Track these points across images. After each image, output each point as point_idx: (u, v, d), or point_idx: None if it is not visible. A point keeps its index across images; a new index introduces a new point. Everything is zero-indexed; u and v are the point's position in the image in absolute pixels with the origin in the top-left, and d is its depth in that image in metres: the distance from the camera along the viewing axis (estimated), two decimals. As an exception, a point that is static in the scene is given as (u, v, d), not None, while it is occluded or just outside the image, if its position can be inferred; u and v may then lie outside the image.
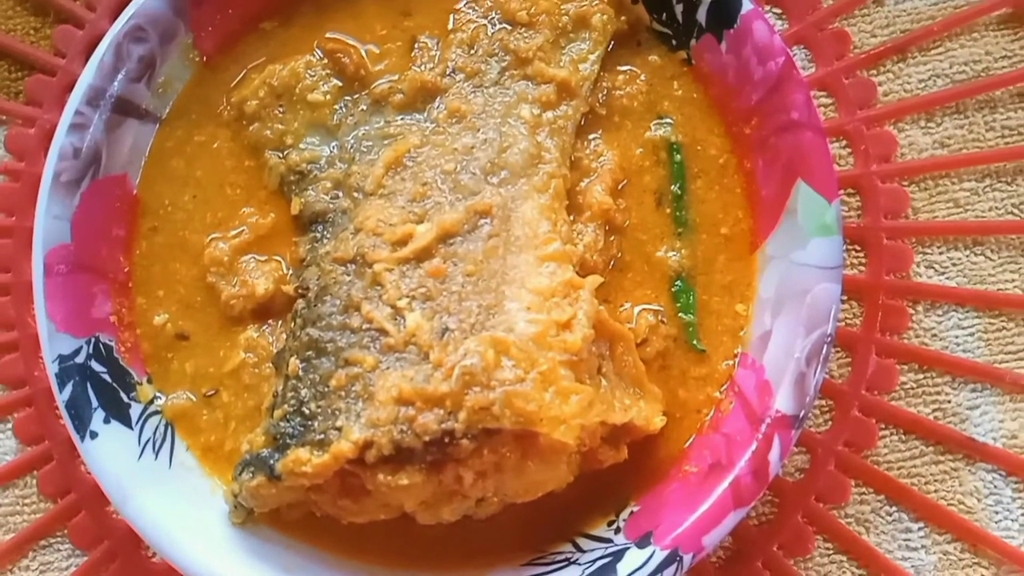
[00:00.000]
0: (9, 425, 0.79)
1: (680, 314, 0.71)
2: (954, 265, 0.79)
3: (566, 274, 0.65)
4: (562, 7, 0.73)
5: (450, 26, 0.74)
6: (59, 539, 0.78)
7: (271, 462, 0.62)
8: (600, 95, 0.74)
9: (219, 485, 0.70)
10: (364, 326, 0.64)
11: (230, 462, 0.70)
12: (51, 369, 0.68)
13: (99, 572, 0.77)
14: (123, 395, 0.70)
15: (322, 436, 0.61)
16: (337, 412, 0.62)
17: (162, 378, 0.72)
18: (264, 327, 0.72)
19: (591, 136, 0.74)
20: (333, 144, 0.73)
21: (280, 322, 0.71)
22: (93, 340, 0.70)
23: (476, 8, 0.75)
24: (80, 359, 0.69)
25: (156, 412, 0.71)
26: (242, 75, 0.75)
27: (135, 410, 0.70)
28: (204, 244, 0.73)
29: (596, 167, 0.73)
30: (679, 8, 0.73)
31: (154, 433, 0.70)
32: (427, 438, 0.59)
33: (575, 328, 0.63)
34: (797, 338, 0.67)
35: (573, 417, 0.60)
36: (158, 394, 0.71)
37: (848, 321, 0.78)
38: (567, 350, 0.62)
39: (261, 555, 0.67)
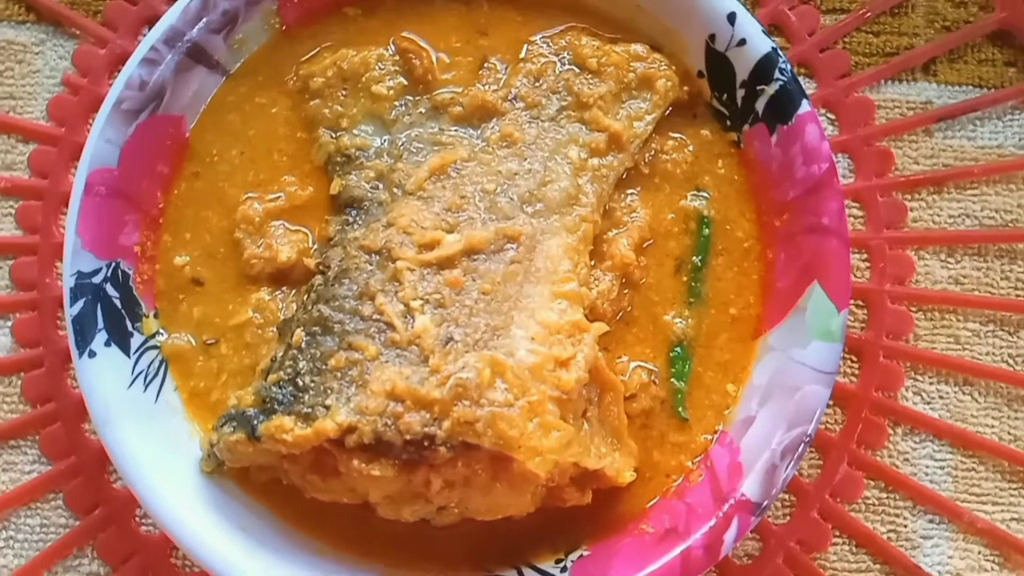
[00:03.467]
0: (9, 323, 0.81)
1: (673, 379, 0.74)
2: (941, 398, 0.82)
3: (575, 315, 0.67)
4: (631, 64, 0.76)
5: (522, 55, 0.77)
6: (29, 443, 0.79)
7: (254, 422, 0.64)
8: (647, 155, 0.77)
9: (197, 431, 0.72)
10: (374, 316, 0.66)
11: (213, 412, 0.71)
12: (67, 282, 0.70)
13: (59, 485, 0.78)
14: (128, 323, 0.72)
15: (309, 410, 0.63)
16: (329, 391, 0.64)
17: (169, 316, 0.74)
18: (277, 292, 0.74)
19: (629, 191, 0.76)
20: (385, 138, 0.75)
21: (293, 292, 0.73)
22: (114, 265, 0.72)
23: (550, 44, 0.77)
24: (97, 279, 0.71)
25: (155, 347, 0.73)
26: (316, 51, 0.77)
27: (136, 340, 0.72)
28: (240, 200, 0.75)
29: (627, 221, 0.75)
30: (740, 93, 0.75)
31: (148, 366, 0.72)
32: (408, 437, 0.61)
33: (572, 368, 0.65)
34: (778, 430, 0.69)
35: (550, 452, 0.62)
36: (161, 330, 0.73)
37: (828, 425, 0.81)
38: (559, 387, 0.64)
39: (221, 507, 0.69)
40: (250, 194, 0.75)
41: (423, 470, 0.63)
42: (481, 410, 0.61)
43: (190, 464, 0.70)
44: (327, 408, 0.63)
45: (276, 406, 0.64)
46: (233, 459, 0.66)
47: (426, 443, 0.61)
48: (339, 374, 0.64)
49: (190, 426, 0.72)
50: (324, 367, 0.65)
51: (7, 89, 0.85)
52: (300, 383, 0.65)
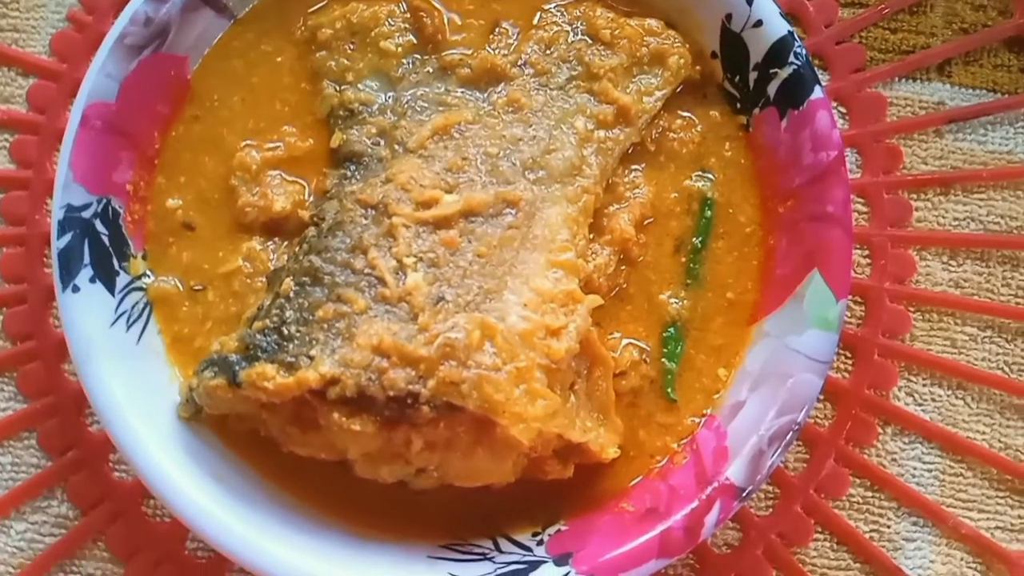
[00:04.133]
0: (-4, 257, 0.80)
1: (664, 360, 0.72)
2: (933, 400, 0.81)
3: (570, 285, 0.66)
4: (645, 39, 0.74)
5: (535, 21, 0.76)
6: (6, 380, 0.78)
7: (236, 368, 0.63)
8: (654, 131, 0.75)
9: (177, 377, 0.70)
10: (366, 270, 0.65)
11: (195, 359, 0.70)
12: (56, 215, 0.68)
13: (34, 424, 0.77)
14: (116, 262, 0.70)
15: (293, 359, 0.62)
16: (314, 341, 0.63)
17: (157, 258, 0.72)
18: (269, 243, 0.72)
19: (633, 167, 0.75)
20: (390, 94, 0.74)
21: (286, 243, 0.72)
22: (105, 201, 0.70)
23: (564, 13, 0.76)
24: (87, 214, 0.69)
25: (140, 288, 0.71)
26: (326, 2, 0.76)
27: (122, 279, 0.70)
28: (238, 147, 0.73)
29: (629, 197, 0.74)
30: (753, 75, 0.74)
31: (132, 307, 0.70)
32: (391, 393, 0.60)
33: (563, 337, 0.64)
34: (767, 416, 0.68)
35: (534, 420, 0.61)
36: (148, 272, 0.72)
37: (818, 420, 0.80)
38: (549, 355, 0.63)
39: (196, 454, 0.67)
40: (249, 142, 0.74)
41: (404, 429, 0.61)
42: (468, 372, 0.60)
43: (168, 409, 0.69)
44: (311, 358, 0.62)
45: (259, 353, 0.63)
46: (212, 405, 0.65)
47: (409, 401, 0.60)
48: (326, 325, 0.63)
49: (171, 371, 0.70)
50: (311, 317, 0.64)
51: (11, 22, 0.83)
52: (285, 332, 0.63)
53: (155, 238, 0.73)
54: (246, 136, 0.74)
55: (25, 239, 0.79)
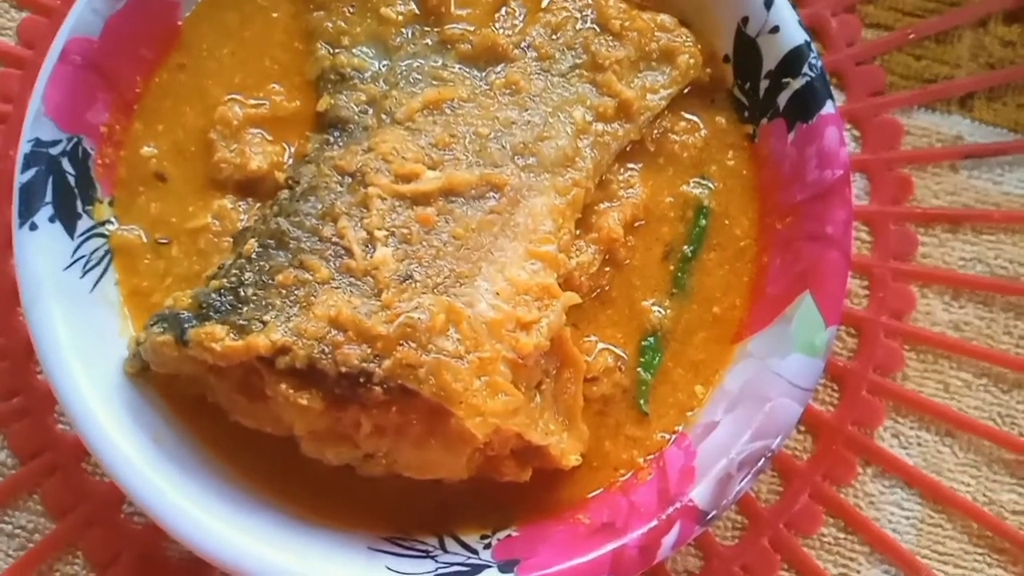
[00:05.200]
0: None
1: (640, 369, 0.69)
2: (919, 445, 0.77)
3: (548, 279, 0.63)
4: (656, 34, 0.71)
5: (543, 4, 0.73)
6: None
7: (185, 325, 0.60)
8: (655, 131, 0.72)
9: (129, 331, 0.67)
10: (334, 239, 0.62)
11: (150, 314, 0.66)
12: (23, 148, 0.65)
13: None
14: (79, 204, 0.67)
15: (245, 323, 0.59)
16: (270, 307, 0.59)
17: (124, 206, 0.69)
18: (241, 203, 0.69)
19: (629, 165, 0.72)
20: (384, 63, 0.71)
21: (259, 204, 0.69)
22: (75, 140, 0.67)
23: (576, -1, 0.73)
24: (55, 151, 0.66)
25: (102, 235, 0.68)
26: (331, -38, 0.73)
27: (83, 223, 0.67)
28: (221, 101, 0.70)
29: (621, 196, 0.71)
30: (764, 84, 0.71)
31: (91, 253, 0.67)
32: (343, 369, 0.57)
33: (533, 332, 0.61)
34: (740, 439, 0.64)
35: (493, 414, 0.58)
36: (113, 219, 0.69)
37: (796, 452, 0.76)
38: (516, 349, 0.60)
39: (138, 413, 0.64)
40: (233, 95, 0.71)
41: (354, 409, 0.58)
42: (427, 355, 0.57)
43: (114, 362, 0.65)
44: (264, 323, 0.59)
45: (212, 313, 0.60)
46: (158, 362, 0.62)
47: (362, 379, 0.57)
48: (284, 291, 0.60)
49: (122, 323, 0.67)
50: (270, 281, 0.60)
51: (9, -49, 0.81)
52: (242, 294, 0.60)
53: (124, 185, 0.69)
54: (231, 90, 0.71)
55: (-3, 174, 0.77)
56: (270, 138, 0.70)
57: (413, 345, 0.57)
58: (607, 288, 0.70)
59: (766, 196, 0.71)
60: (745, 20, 0.70)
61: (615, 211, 0.70)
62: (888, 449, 0.77)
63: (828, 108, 0.68)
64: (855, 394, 0.76)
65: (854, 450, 0.76)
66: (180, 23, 0.71)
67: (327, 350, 0.57)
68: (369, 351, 0.57)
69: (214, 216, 0.69)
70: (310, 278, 0.60)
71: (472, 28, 0.72)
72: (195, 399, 0.65)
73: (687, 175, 0.72)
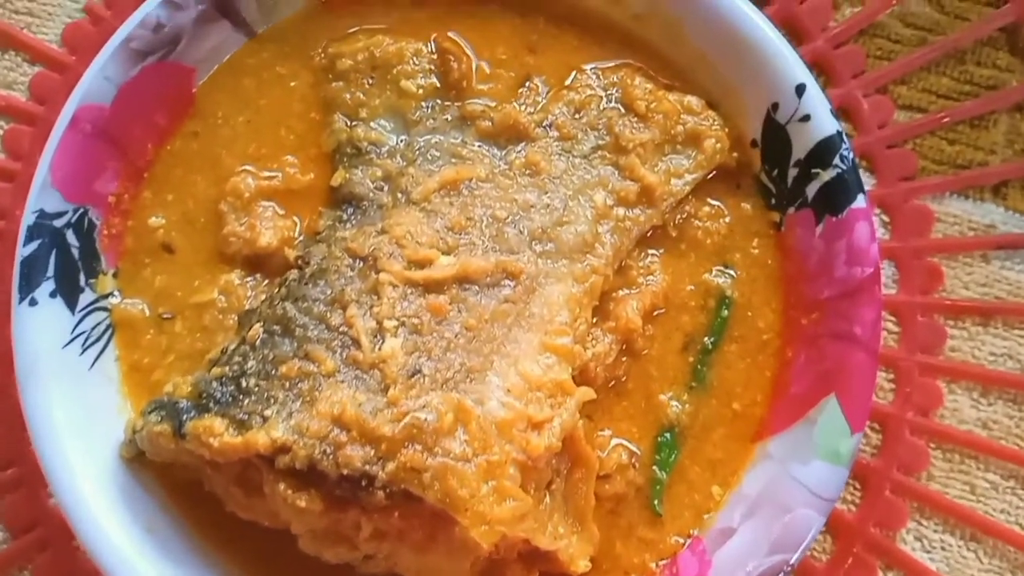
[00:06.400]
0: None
1: (655, 467, 0.66)
2: (943, 549, 0.74)
3: (561, 374, 0.61)
4: (683, 116, 0.69)
5: (567, 82, 0.71)
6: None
7: (183, 416, 0.57)
8: (678, 216, 0.70)
9: (128, 411, 0.65)
10: (341, 328, 0.59)
11: (150, 393, 0.65)
12: (26, 219, 0.64)
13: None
14: (83, 277, 0.66)
15: (245, 416, 0.57)
16: (272, 400, 0.57)
17: (128, 278, 0.67)
18: (249, 279, 0.67)
19: (650, 251, 0.69)
20: (402, 138, 0.69)
21: (267, 282, 0.67)
22: (81, 211, 0.66)
23: (600, 77, 0.71)
24: (59, 223, 0.65)
25: (104, 309, 0.66)
26: (351, 31, 0.71)
27: (85, 297, 0.65)
28: (234, 171, 0.69)
29: (641, 283, 0.68)
30: (793, 172, 0.68)
31: (92, 329, 0.65)
32: (345, 471, 0.54)
33: (545, 432, 0.58)
34: (757, 552, 0.61)
35: (499, 522, 0.55)
36: (116, 291, 0.67)
37: (815, 553, 0.73)
38: (526, 451, 0.57)
39: (131, 499, 0.62)
40: (247, 167, 0.69)
41: (355, 512, 0.56)
42: (432, 458, 0.54)
43: (110, 443, 0.63)
44: (264, 419, 0.56)
45: (211, 404, 0.58)
46: (154, 452, 0.60)
47: (363, 482, 0.54)
48: (287, 384, 0.58)
49: (121, 401, 0.65)
50: (273, 372, 0.58)
51: (27, 5, 0.79)
52: (244, 384, 0.58)
53: (130, 256, 0.68)
54: (245, 160, 0.69)
55: (3, 234, 0.75)
56: (282, 212, 0.69)
57: (418, 447, 0.55)
58: (623, 379, 0.68)
59: (791, 288, 0.69)
60: (775, 106, 0.68)
61: (634, 299, 0.68)
62: (911, 553, 0.73)
63: (859, 202, 0.66)
64: (878, 494, 0.73)
65: (876, 553, 0.73)
66: (195, 90, 0.70)
67: (329, 450, 0.55)
68: (372, 453, 0.55)
69: (220, 291, 0.67)
70: (315, 370, 0.58)
71: (493, 104, 0.70)
72: (191, 485, 0.62)
73: (710, 263, 0.70)
